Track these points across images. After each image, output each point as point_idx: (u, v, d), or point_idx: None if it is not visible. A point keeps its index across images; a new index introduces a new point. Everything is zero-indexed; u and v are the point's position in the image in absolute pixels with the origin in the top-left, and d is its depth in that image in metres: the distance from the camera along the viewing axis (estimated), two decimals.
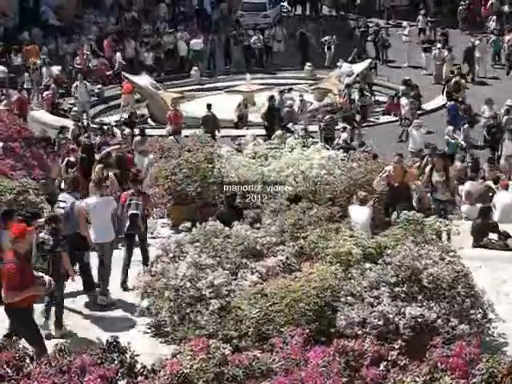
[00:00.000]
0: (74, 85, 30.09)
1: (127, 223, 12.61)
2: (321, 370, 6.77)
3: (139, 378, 6.98)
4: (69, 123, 25.64)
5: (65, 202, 12.36)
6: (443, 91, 29.73)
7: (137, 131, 22.49)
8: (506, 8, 39.08)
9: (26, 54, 33.70)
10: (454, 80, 29.17)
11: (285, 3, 46.33)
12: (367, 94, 29.16)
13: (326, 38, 35.80)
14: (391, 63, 35.91)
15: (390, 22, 40.88)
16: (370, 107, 28.63)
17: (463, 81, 29.49)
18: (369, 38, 37.20)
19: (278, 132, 23.18)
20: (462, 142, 23.27)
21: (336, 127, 24.59)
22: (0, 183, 14.14)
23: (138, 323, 10.45)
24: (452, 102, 26.79)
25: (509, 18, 38.34)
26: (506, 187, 16.22)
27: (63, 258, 10.95)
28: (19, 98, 28.15)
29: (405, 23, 37.31)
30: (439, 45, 33.38)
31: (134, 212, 12.63)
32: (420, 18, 37.81)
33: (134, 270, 11.51)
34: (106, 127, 23.71)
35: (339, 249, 9.61)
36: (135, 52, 35.81)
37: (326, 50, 35.66)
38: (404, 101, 27.09)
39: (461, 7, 39.46)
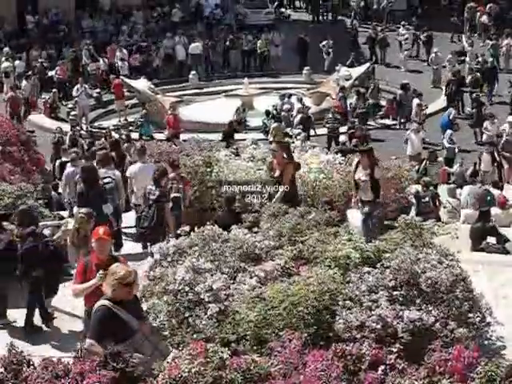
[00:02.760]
0: (75, 88, 30.19)
1: (170, 205, 13.91)
2: (319, 374, 6.76)
3: (138, 383, 6.98)
4: (66, 127, 25.73)
5: (109, 176, 14.17)
6: (445, 93, 29.90)
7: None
8: (484, 18, 38.95)
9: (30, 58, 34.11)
10: (474, 77, 29.35)
11: (282, 9, 46.35)
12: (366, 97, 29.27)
13: (324, 42, 35.85)
14: (390, 65, 36.06)
15: (388, 25, 40.90)
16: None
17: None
18: (364, 41, 37.36)
19: (275, 125, 23.29)
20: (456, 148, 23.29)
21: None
22: None
23: None
24: (452, 110, 26.71)
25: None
26: (503, 205, 16.17)
27: (166, 209, 13.14)
28: (12, 97, 28.38)
29: (403, 31, 37.09)
30: (435, 49, 33.45)
31: (177, 195, 14.28)
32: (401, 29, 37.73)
33: None
34: (104, 131, 23.79)
35: (338, 253, 9.61)
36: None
37: (324, 54, 35.71)
38: (416, 101, 27.21)
39: (467, 14, 39.51)
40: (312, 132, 25.41)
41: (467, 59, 32.53)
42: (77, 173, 17.36)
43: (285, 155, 13.64)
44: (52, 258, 11.78)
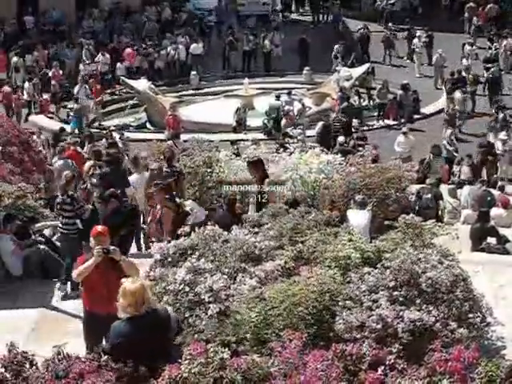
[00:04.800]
0: (76, 88, 30.23)
1: None
2: (319, 374, 6.76)
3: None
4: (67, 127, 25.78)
5: None
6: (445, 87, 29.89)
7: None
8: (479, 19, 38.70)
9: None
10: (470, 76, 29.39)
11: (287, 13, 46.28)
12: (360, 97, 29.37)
13: (336, 46, 35.39)
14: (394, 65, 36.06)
15: (390, 25, 40.59)
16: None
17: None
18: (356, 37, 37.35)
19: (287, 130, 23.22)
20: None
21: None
22: None
23: None
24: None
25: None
26: (506, 205, 16.14)
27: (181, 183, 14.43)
28: (6, 92, 28.96)
29: (419, 32, 36.31)
30: (440, 50, 33.23)
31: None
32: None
33: None
34: (104, 131, 23.82)
35: (338, 253, 9.61)
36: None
37: (333, 58, 35.49)
38: (457, 94, 27.16)
39: (467, 15, 39.36)
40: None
41: (465, 62, 32.34)
42: (67, 165, 17.90)
43: (166, 197, 12.85)
44: (133, 216, 13.55)
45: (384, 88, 29.40)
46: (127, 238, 13.06)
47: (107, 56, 34.71)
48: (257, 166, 13.14)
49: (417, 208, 15.45)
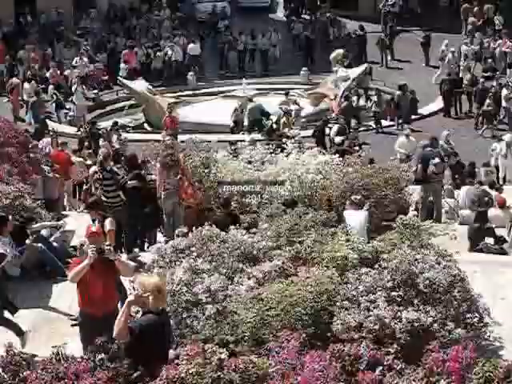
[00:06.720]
0: (73, 89, 30.20)
1: None
2: (317, 375, 6.76)
3: None
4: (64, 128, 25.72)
5: None
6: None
7: None
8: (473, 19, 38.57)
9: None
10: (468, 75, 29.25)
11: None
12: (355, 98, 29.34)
13: (338, 51, 35.18)
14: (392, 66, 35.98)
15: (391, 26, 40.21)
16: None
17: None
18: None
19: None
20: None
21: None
22: None
23: None
24: None
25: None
26: (502, 205, 16.14)
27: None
28: (14, 84, 29.17)
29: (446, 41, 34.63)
30: (452, 49, 32.84)
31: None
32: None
33: None
34: (102, 132, 23.81)
35: (335, 253, 9.62)
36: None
37: (332, 60, 35.26)
38: (505, 92, 27.14)
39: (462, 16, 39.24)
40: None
41: (461, 62, 32.14)
42: None
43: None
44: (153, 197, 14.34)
45: (379, 97, 29.26)
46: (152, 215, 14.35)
47: (85, 59, 34.52)
48: (94, 208, 12.87)
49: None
